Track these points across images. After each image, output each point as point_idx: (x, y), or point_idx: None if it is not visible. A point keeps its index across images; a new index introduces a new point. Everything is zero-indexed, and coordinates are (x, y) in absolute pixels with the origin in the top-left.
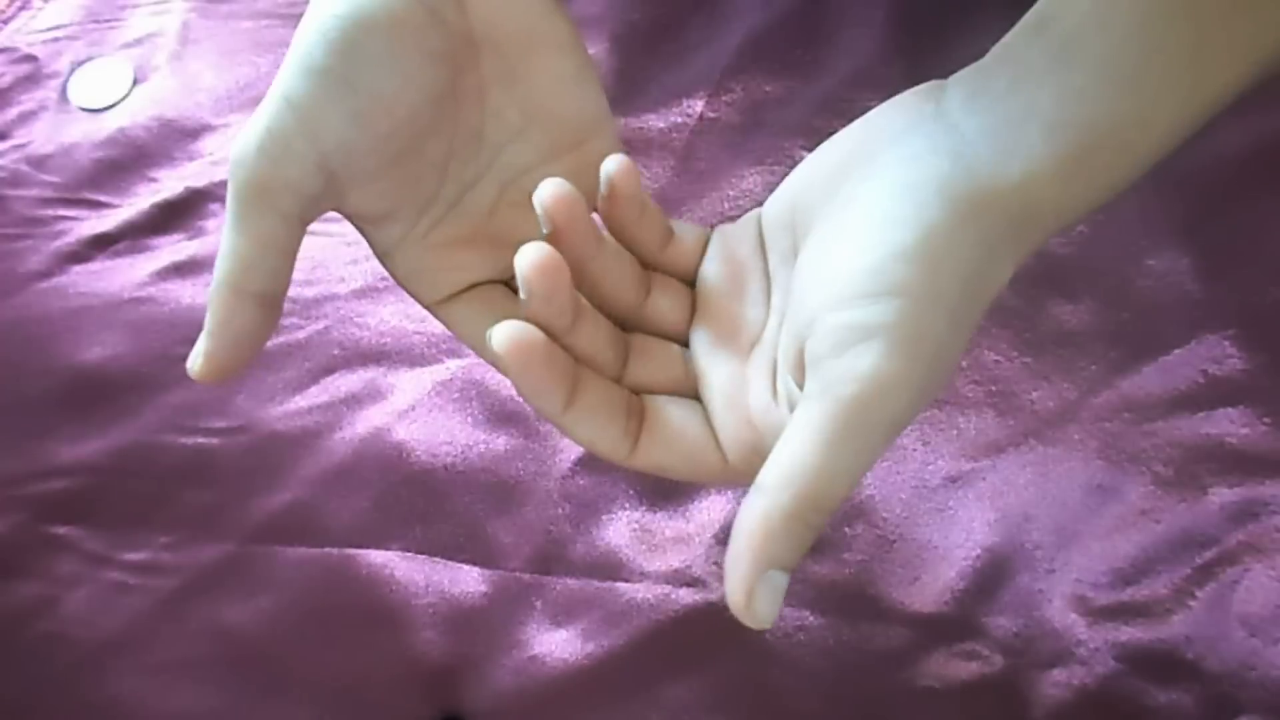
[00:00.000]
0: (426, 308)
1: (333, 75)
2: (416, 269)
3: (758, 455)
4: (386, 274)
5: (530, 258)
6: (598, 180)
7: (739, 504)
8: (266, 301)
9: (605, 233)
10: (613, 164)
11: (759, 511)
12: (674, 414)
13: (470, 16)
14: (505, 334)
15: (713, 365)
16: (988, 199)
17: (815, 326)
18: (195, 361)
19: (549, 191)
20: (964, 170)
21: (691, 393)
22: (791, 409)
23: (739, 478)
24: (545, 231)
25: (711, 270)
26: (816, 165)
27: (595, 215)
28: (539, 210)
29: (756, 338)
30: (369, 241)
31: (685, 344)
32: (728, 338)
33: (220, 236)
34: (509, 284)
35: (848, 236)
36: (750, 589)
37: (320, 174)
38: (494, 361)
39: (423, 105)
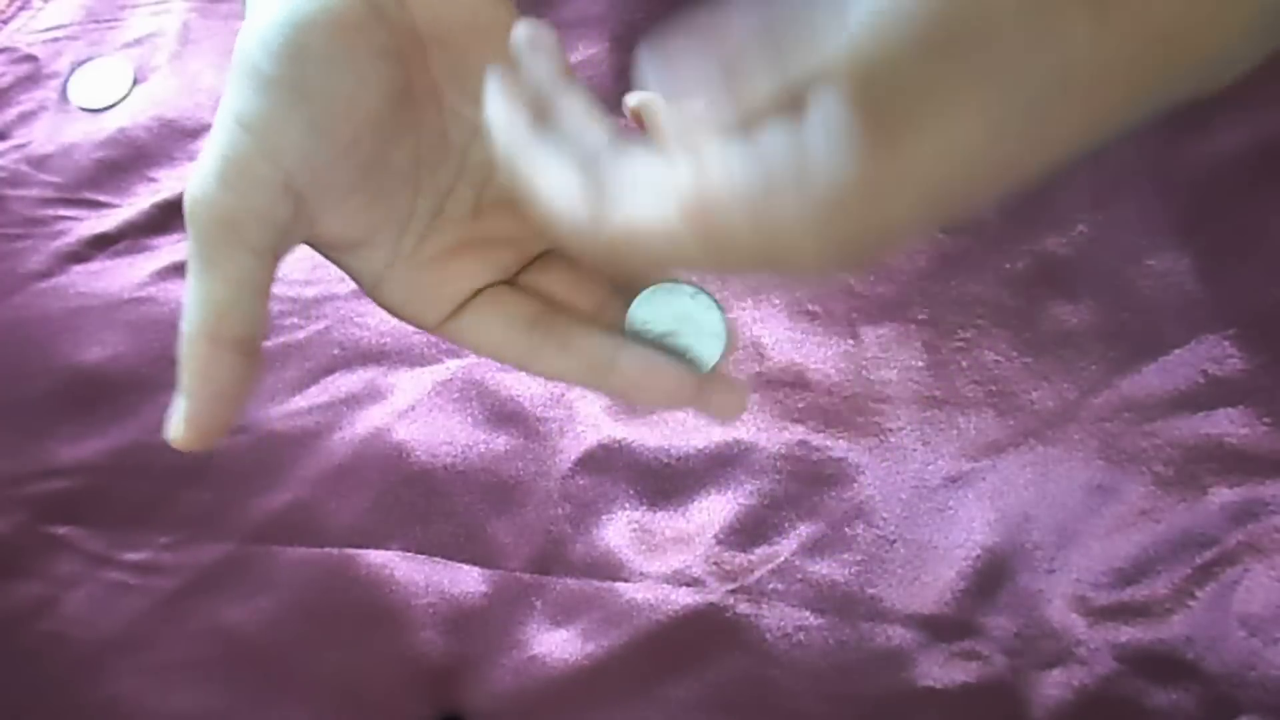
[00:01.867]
0: (434, 331)
1: (283, 85)
2: (413, 291)
3: None
4: None
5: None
6: None
7: (739, 504)
8: (247, 349)
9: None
10: (635, 99)
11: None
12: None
13: (412, 12)
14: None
15: None
16: None
17: None
18: (176, 427)
19: (523, 31)
20: None
21: None
22: None
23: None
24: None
25: None
26: None
27: None
28: (516, 48)
29: None
30: (356, 278)
31: None
32: None
33: (187, 279)
34: (510, 284)
35: None
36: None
37: (288, 197)
38: (519, 361)
39: (380, 107)
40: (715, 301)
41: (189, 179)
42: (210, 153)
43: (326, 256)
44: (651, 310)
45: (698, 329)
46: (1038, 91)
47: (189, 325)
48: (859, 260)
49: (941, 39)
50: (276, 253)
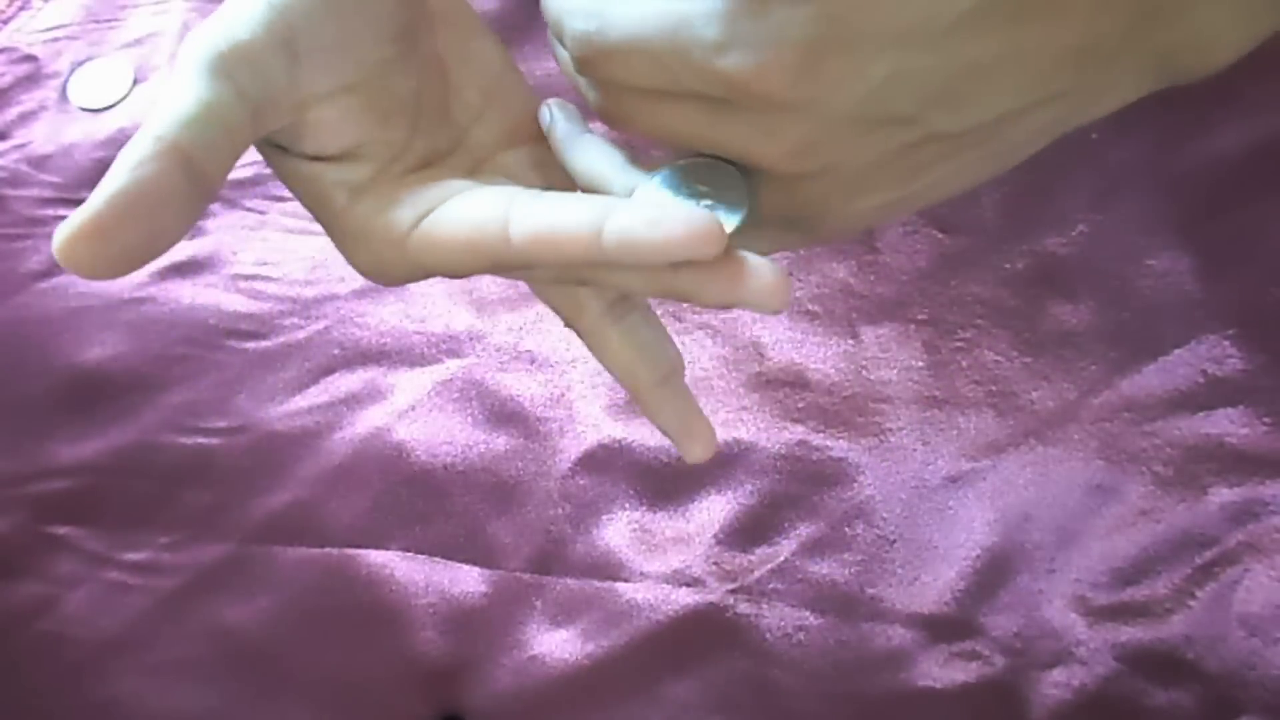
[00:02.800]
0: (405, 244)
1: None
2: (389, 199)
3: None
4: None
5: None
6: (559, 171)
7: (739, 504)
8: (194, 175)
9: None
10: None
11: None
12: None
13: None
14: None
15: None
16: None
17: None
18: (67, 228)
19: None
20: None
21: None
22: None
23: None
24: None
25: None
26: None
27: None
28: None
29: None
30: (331, 197)
31: None
32: None
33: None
34: None
35: None
36: None
37: (283, 52)
38: (495, 254)
39: (388, 21)
40: (739, 169)
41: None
42: (223, 8)
43: (304, 184)
44: (668, 181)
45: (718, 196)
46: (1139, 79)
47: (139, 132)
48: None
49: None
50: (258, 106)
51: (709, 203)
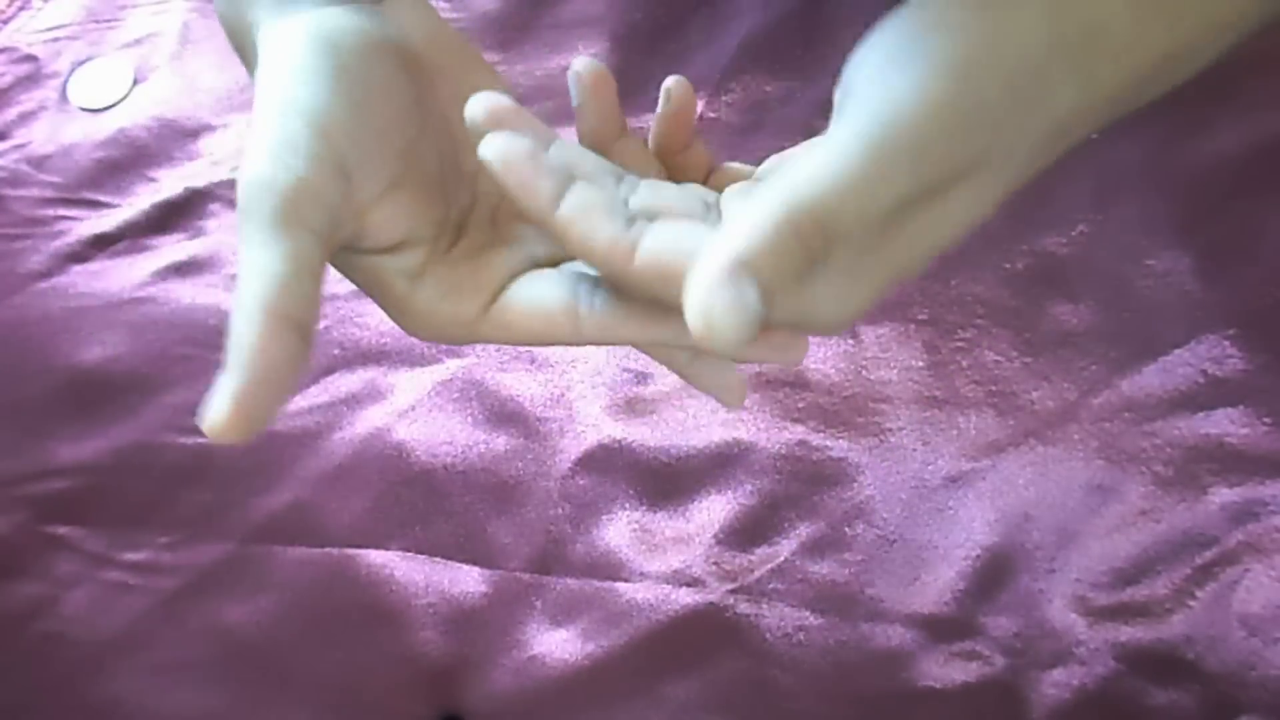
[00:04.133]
0: (475, 326)
1: (324, 72)
2: (451, 282)
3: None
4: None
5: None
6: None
7: (739, 504)
8: (304, 332)
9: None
10: (673, 81)
11: (758, 205)
12: (683, 225)
13: (416, 44)
14: (494, 144)
15: (735, 195)
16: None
17: (854, 64)
18: (220, 410)
19: (583, 64)
20: None
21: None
22: None
23: None
24: (577, 104)
25: (758, 176)
26: (868, 47)
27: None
28: (573, 81)
29: None
30: (391, 284)
31: None
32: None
33: (239, 266)
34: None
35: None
36: (713, 282)
37: (339, 177)
38: (569, 335)
39: (407, 100)
40: None
41: (241, 166)
42: (260, 138)
43: (362, 275)
44: None
45: None
46: (1029, 154)
47: (245, 300)
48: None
49: (932, 177)
50: (329, 238)
51: None
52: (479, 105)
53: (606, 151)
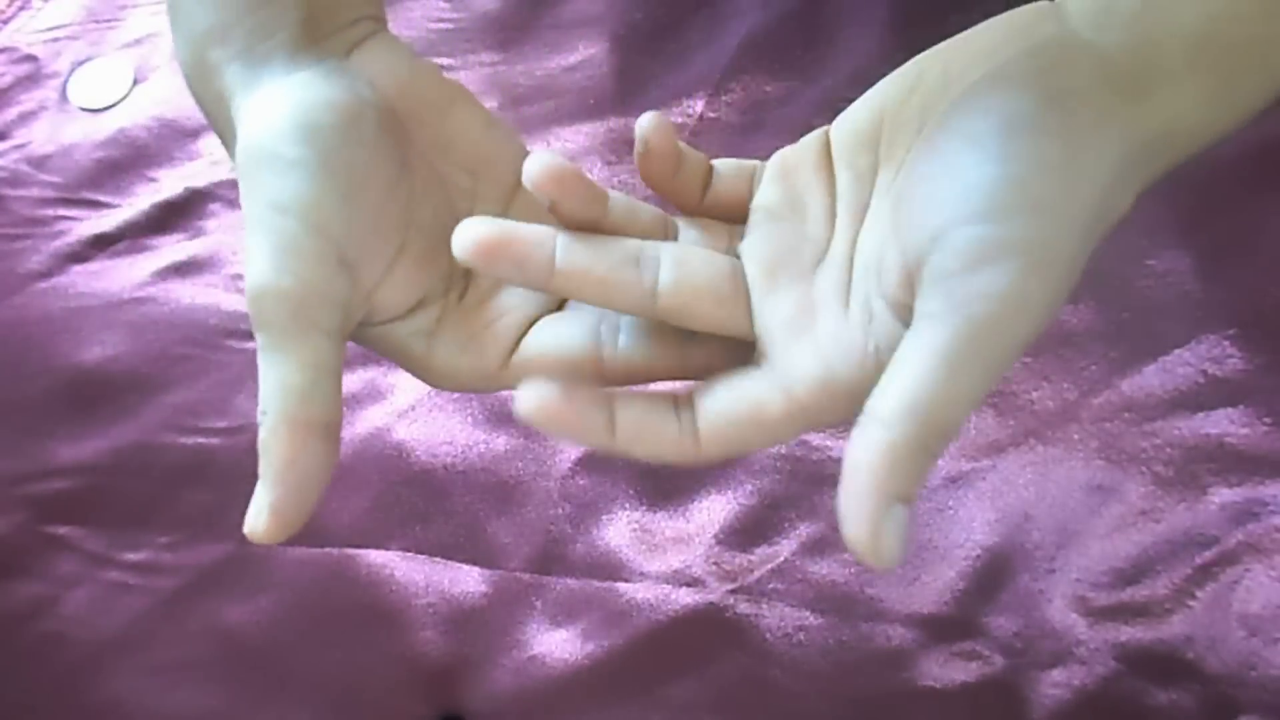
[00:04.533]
0: (499, 374)
1: (308, 165)
2: (469, 333)
3: (825, 389)
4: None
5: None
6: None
7: (739, 504)
8: (329, 433)
9: (609, 191)
10: (647, 121)
11: (879, 443)
12: (732, 388)
13: (388, 94)
14: (528, 399)
15: (771, 288)
16: (1131, 115)
17: (943, 242)
18: (259, 519)
19: (534, 167)
20: (1105, 83)
21: (742, 314)
22: (870, 332)
23: (811, 423)
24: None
25: (767, 194)
26: (906, 80)
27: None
28: (530, 187)
29: (820, 258)
30: (408, 349)
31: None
32: (787, 258)
33: (260, 371)
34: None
35: (978, 146)
36: (876, 527)
37: (344, 271)
38: (595, 377)
39: (394, 170)
40: None
41: (246, 276)
42: (257, 245)
43: (379, 344)
44: None
45: None
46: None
47: (269, 413)
48: None
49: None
50: (343, 332)
51: None
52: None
53: (598, 227)
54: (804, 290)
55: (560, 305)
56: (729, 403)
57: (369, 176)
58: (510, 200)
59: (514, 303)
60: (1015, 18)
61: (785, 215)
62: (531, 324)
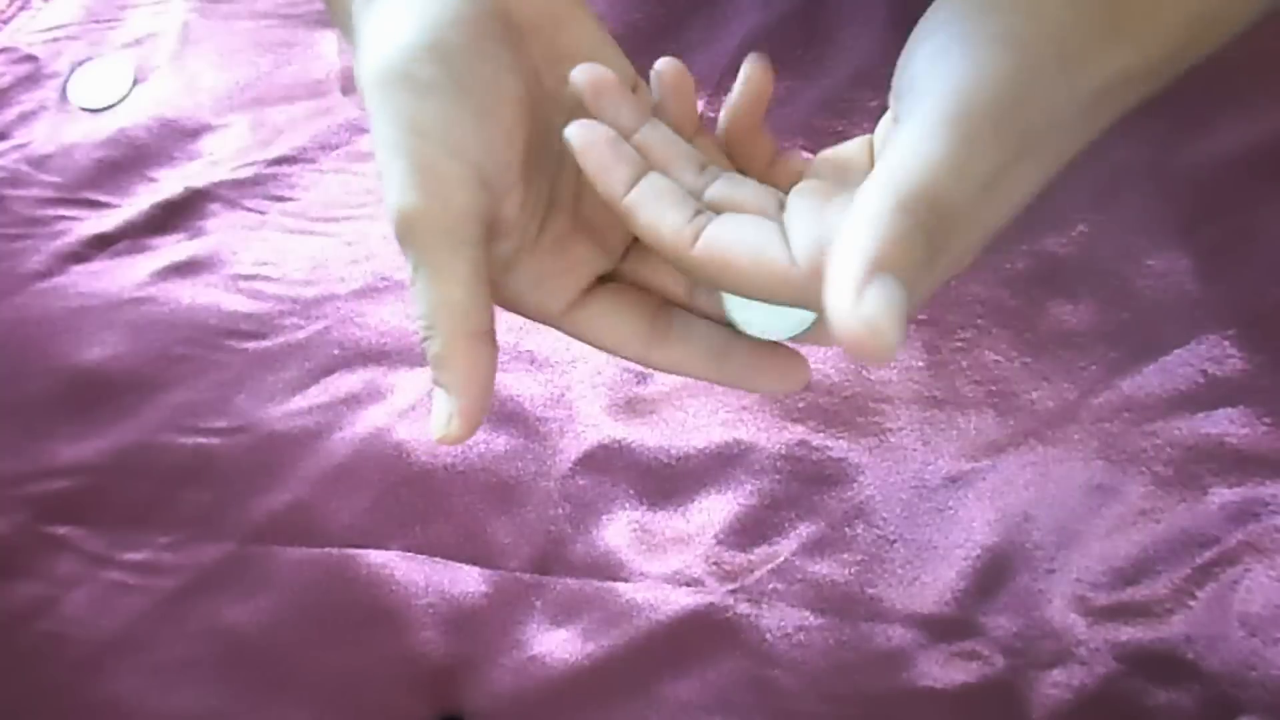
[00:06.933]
0: (558, 321)
1: (442, 86)
2: (539, 277)
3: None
4: (386, 275)
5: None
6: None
7: (738, 504)
8: (490, 337)
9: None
10: (751, 63)
11: (866, 202)
12: (746, 219)
13: (506, 4)
14: (576, 128)
15: (800, 193)
16: None
17: (909, 53)
18: (451, 424)
19: (579, 74)
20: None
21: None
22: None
23: (807, 285)
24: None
25: (814, 169)
26: (922, 35)
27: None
28: (654, 79)
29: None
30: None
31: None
32: (824, 188)
33: (414, 289)
34: (624, 283)
35: (963, 44)
36: (859, 287)
37: (483, 190)
38: (641, 354)
39: (518, 84)
40: None
41: (389, 198)
42: (399, 168)
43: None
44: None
45: (784, 311)
46: (1081, 118)
47: (439, 331)
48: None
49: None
50: (485, 241)
51: (779, 315)
52: (583, 78)
53: (629, 140)
54: (828, 190)
55: (623, 270)
56: (743, 234)
57: (499, 94)
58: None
59: (586, 257)
60: None
61: (829, 177)
62: (600, 280)
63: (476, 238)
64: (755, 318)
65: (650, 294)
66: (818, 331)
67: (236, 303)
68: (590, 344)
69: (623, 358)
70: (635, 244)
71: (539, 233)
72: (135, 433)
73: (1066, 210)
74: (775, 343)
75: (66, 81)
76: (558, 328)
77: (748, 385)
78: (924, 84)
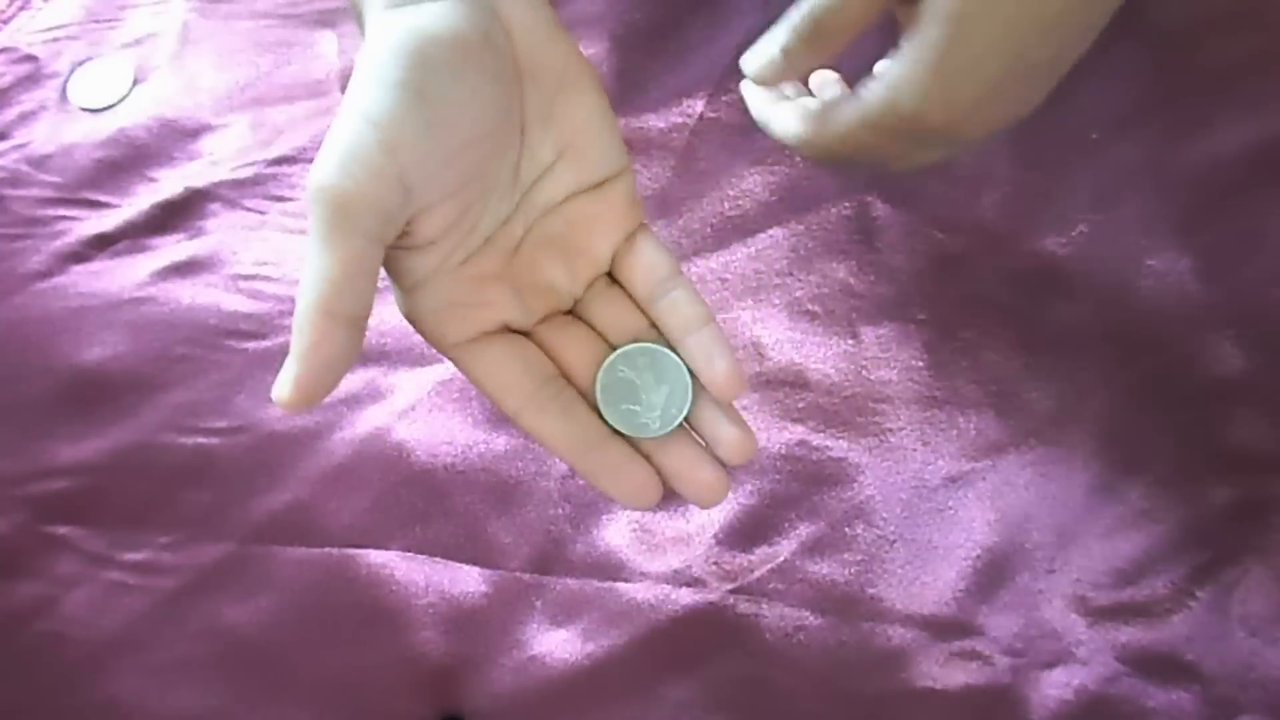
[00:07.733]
0: (447, 351)
1: (408, 87)
2: (447, 302)
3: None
4: (385, 275)
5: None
6: (613, 219)
7: (739, 504)
8: (354, 324)
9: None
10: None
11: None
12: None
13: (517, 47)
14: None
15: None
16: None
17: None
18: (284, 389)
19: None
20: None
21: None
22: None
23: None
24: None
25: None
26: None
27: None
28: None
29: None
30: (399, 276)
31: None
32: None
33: (306, 254)
34: (529, 337)
35: None
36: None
37: (399, 189)
38: (516, 409)
39: (487, 124)
40: (682, 360)
41: (312, 170)
42: (334, 143)
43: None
44: (628, 360)
45: (665, 379)
46: None
47: (306, 298)
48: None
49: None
50: (384, 239)
51: (657, 387)
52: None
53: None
54: None
55: (540, 322)
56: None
57: (462, 116)
58: (574, 195)
59: (500, 304)
60: None
61: None
62: (503, 328)
63: (376, 232)
64: (622, 420)
65: (554, 362)
66: None
67: (236, 303)
68: (471, 381)
69: (495, 407)
70: (597, 283)
71: (462, 263)
72: (135, 433)
73: (1066, 210)
74: (643, 459)
75: (66, 81)
76: (446, 355)
77: (600, 485)
78: None
